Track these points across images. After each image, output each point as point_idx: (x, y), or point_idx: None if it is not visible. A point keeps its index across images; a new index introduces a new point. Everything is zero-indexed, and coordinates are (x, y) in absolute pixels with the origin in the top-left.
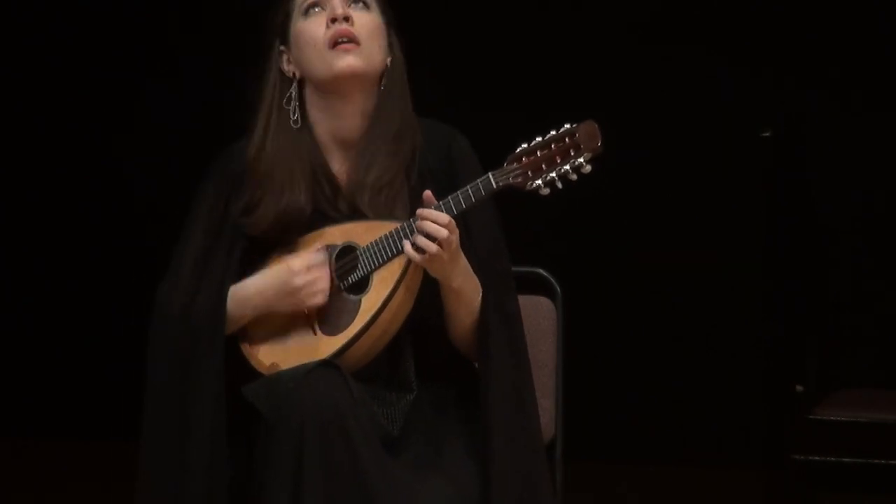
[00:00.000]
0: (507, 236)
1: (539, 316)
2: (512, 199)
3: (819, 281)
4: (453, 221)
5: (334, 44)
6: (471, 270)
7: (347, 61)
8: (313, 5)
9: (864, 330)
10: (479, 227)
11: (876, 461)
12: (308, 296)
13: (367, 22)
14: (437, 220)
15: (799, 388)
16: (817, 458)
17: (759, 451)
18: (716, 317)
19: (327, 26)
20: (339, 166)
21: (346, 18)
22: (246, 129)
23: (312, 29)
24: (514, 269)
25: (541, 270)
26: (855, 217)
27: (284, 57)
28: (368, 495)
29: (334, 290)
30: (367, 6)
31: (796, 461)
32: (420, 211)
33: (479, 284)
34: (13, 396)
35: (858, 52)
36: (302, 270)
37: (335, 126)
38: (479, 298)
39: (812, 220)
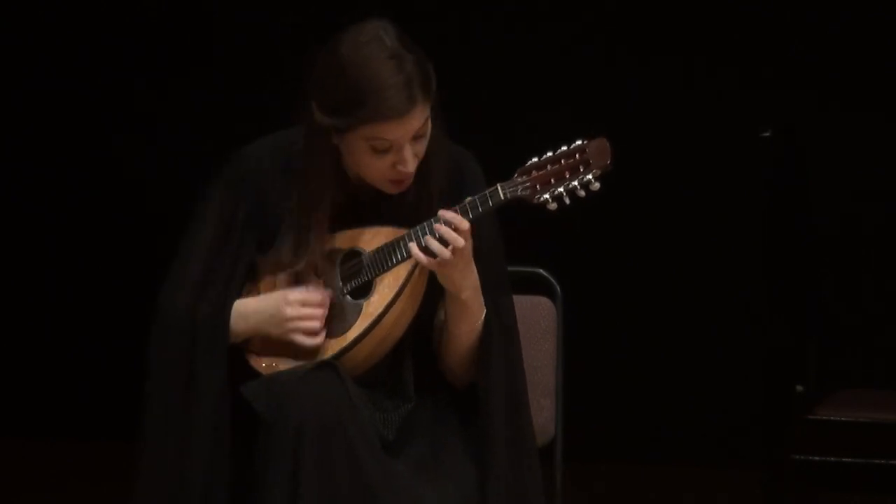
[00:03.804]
0: (508, 236)
1: (539, 316)
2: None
3: (819, 281)
4: (469, 230)
5: (389, 179)
6: (479, 287)
7: (397, 191)
8: (386, 143)
9: (863, 330)
10: (482, 234)
11: (876, 461)
12: (294, 331)
13: (422, 151)
14: (458, 226)
15: (799, 388)
16: (817, 458)
17: (759, 451)
18: (716, 317)
19: (391, 166)
20: (360, 184)
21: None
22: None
23: (377, 166)
24: (513, 269)
25: (541, 270)
26: (855, 216)
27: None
28: (369, 494)
29: (335, 297)
30: (428, 129)
31: (796, 461)
32: (442, 212)
33: (483, 305)
34: (13, 396)
35: (858, 53)
36: (296, 303)
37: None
38: (483, 316)
39: (812, 219)
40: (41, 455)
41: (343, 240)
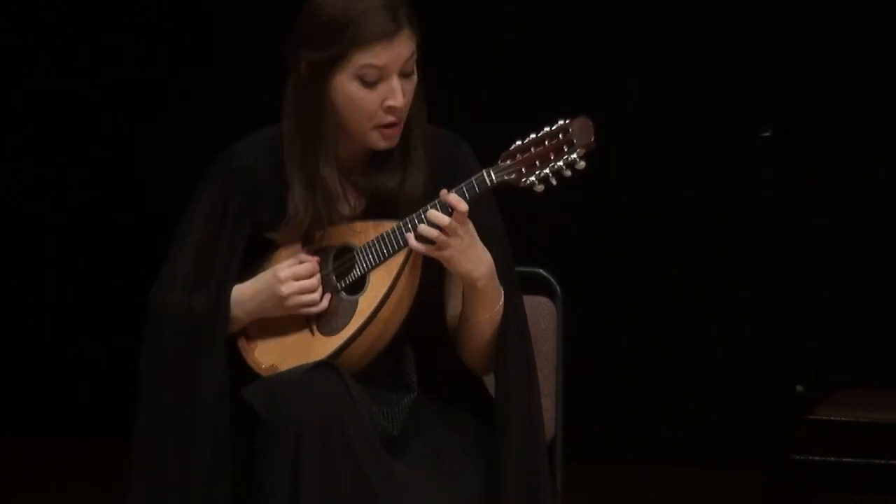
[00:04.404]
0: (508, 237)
1: (539, 316)
2: (511, 200)
3: (819, 281)
4: (466, 212)
5: (380, 126)
6: (495, 272)
7: (386, 143)
8: (375, 71)
9: (863, 330)
10: (483, 225)
11: (876, 461)
12: (296, 305)
13: (410, 92)
14: (456, 207)
15: (799, 388)
16: (817, 458)
17: (759, 451)
18: (716, 317)
19: (381, 105)
20: (348, 168)
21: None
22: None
23: (367, 102)
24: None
25: (541, 270)
26: (855, 216)
27: (323, 81)
28: (370, 495)
29: (330, 291)
30: (414, 69)
31: (796, 461)
32: (443, 193)
33: (501, 288)
34: (13, 396)
35: (858, 53)
36: (288, 279)
37: (351, 147)
38: (502, 303)
39: (812, 219)
40: (41, 455)
41: (333, 236)
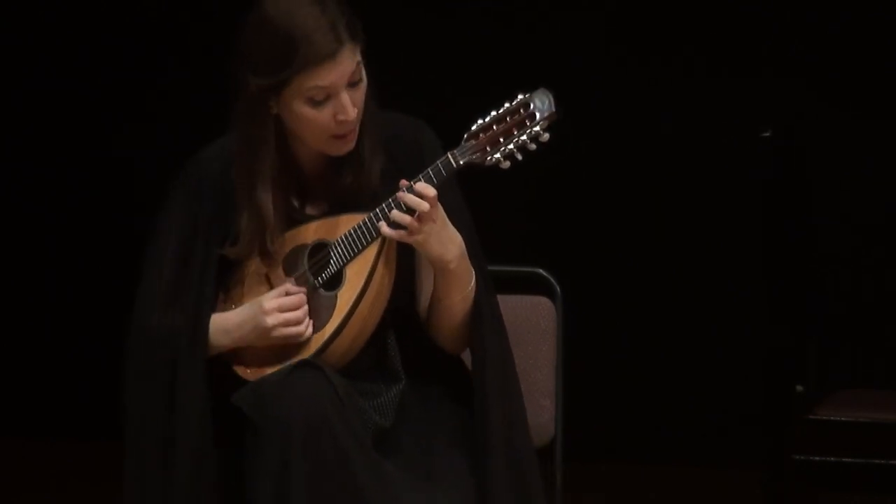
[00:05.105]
0: (508, 236)
1: (539, 316)
2: (512, 200)
3: (819, 281)
4: (435, 197)
5: (335, 136)
6: (465, 253)
7: (344, 148)
8: (322, 91)
9: (863, 330)
10: (447, 207)
11: (876, 461)
12: (280, 337)
13: (360, 99)
14: (424, 193)
15: (799, 388)
16: (817, 458)
17: (759, 451)
18: (716, 317)
19: (334, 119)
20: (308, 169)
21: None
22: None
23: (319, 120)
24: (514, 269)
25: (541, 270)
26: (856, 216)
27: (271, 102)
28: (359, 494)
29: (309, 289)
30: (361, 76)
31: (796, 461)
32: (404, 182)
33: (472, 268)
34: (13, 396)
35: (858, 53)
36: (273, 310)
37: (309, 150)
38: (473, 283)
39: (812, 219)
40: (41, 455)
41: (306, 234)
